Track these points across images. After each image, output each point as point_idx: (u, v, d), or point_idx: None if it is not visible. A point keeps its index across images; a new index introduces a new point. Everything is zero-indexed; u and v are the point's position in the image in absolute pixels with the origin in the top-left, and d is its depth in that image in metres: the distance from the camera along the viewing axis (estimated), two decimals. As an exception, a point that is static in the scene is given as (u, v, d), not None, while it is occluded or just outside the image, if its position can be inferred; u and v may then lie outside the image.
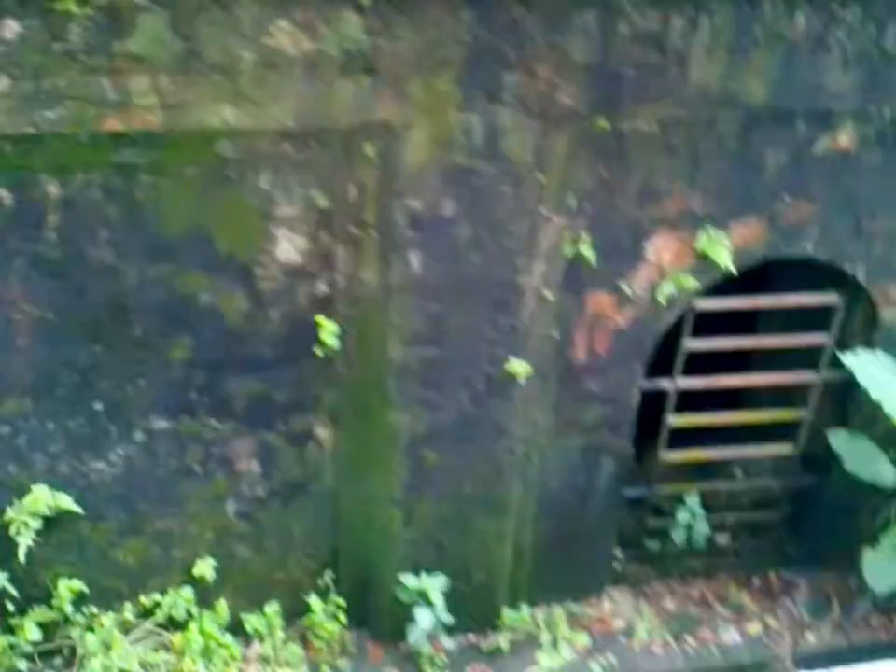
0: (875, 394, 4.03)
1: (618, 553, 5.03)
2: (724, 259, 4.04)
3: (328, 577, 4.59)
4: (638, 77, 3.58)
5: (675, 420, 4.66)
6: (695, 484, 4.98)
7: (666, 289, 4.10)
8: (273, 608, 4.53)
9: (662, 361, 4.47)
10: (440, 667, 4.56)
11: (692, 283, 4.11)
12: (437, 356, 3.95)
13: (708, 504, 5.09)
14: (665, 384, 4.54)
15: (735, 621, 4.91)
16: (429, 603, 4.38)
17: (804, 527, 5.14)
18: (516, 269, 3.82)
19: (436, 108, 3.45)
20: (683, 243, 4.04)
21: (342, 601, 4.58)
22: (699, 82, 3.64)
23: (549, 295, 3.98)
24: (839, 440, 4.65)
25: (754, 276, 4.31)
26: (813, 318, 4.52)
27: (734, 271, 4.07)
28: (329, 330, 3.88)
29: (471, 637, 4.76)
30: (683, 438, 4.96)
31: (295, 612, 4.59)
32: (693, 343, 4.44)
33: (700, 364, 4.53)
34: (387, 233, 3.68)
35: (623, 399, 4.42)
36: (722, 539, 5.17)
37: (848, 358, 4.14)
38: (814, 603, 5.00)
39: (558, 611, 4.89)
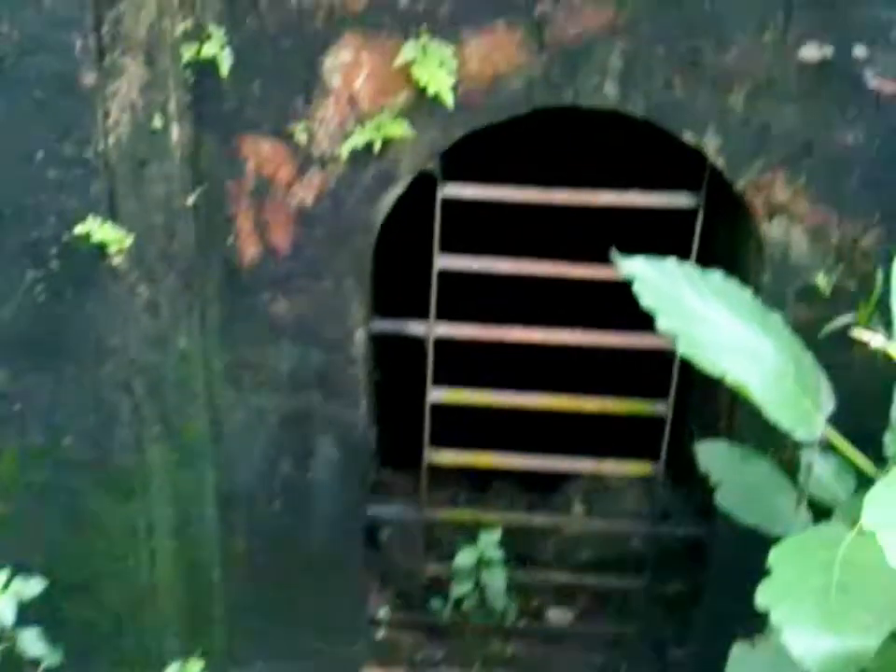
0: (664, 322, 2.20)
1: (382, 612, 3.29)
2: (443, 86, 2.45)
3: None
4: None
5: (439, 393, 2.98)
6: (497, 514, 3.20)
7: (360, 140, 2.54)
8: None
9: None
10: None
11: (403, 130, 2.53)
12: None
13: (532, 555, 3.30)
14: (414, 327, 2.90)
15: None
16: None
17: (697, 607, 3.21)
18: (64, 48, 2.38)
19: None
20: (385, 58, 2.49)
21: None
22: None
23: (158, 122, 2.50)
24: (708, 454, 2.80)
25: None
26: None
27: (448, 102, 2.46)
28: None
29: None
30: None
31: None
32: (446, 261, 2.81)
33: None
34: None
35: (338, 341, 2.80)
36: (559, 616, 3.32)
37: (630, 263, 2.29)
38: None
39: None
